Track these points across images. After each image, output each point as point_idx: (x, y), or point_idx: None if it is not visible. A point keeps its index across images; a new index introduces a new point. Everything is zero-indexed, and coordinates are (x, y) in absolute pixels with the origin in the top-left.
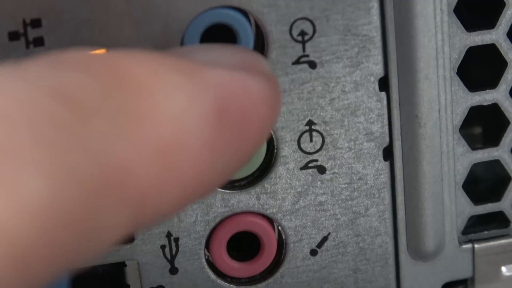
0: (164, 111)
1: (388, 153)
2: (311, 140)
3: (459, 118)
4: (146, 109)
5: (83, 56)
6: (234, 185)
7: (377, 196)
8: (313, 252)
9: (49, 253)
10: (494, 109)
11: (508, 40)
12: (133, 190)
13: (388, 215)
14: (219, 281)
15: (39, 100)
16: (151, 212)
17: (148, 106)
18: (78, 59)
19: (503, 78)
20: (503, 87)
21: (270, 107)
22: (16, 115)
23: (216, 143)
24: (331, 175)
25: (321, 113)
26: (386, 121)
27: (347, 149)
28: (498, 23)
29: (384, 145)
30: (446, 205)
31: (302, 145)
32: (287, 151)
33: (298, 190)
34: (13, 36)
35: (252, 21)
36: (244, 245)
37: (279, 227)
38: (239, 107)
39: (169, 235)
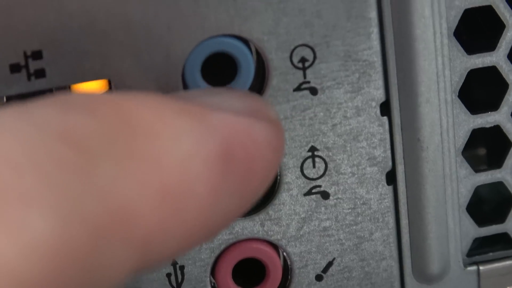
0: (170, 155)
1: (391, 178)
2: (314, 166)
3: (461, 141)
4: (152, 153)
5: (89, 98)
6: None
7: (381, 220)
8: (319, 278)
9: None
10: (497, 131)
11: (508, 62)
12: (138, 231)
13: (392, 239)
14: None
15: (46, 143)
16: (156, 253)
17: (154, 149)
18: (85, 102)
19: (504, 100)
20: (504, 109)
21: (275, 151)
22: (23, 158)
23: (221, 188)
24: (335, 200)
25: (324, 139)
26: (388, 146)
27: (350, 174)
28: (498, 45)
29: (387, 170)
30: (450, 228)
31: (305, 171)
32: (290, 177)
33: (302, 216)
34: (15, 68)
35: (253, 49)
36: (250, 272)
37: (284, 253)
38: (244, 151)
39: (174, 263)
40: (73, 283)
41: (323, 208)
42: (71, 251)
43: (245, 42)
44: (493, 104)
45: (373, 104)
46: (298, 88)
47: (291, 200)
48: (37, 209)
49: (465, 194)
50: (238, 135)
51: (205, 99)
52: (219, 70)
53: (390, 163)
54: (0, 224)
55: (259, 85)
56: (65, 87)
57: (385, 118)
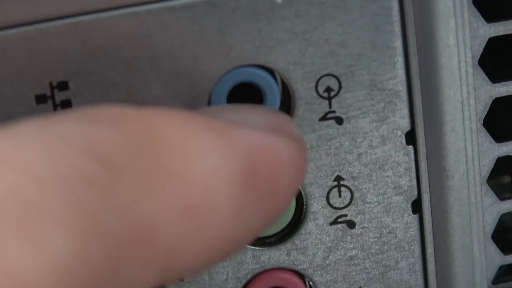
0: (194, 171)
1: (416, 206)
2: (340, 196)
3: (486, 169)
4: (177, 168)
5: (115, 112)
6: (264, 241)
7: (407, 249)
8: None
9: None
10: None
11: None
12: (159, 248)
13: (418, 267)
14: None
15: (70, 157)
16: (177, 269)
17: (179, 165)
18: (110, 116)
19: None
20: None
21: (297, 169)
22: (47, 172)
23: (243, 204)
24: (361, 229)
25: (349, 168)
26: (414, 175)
27: (376, 203)
28: None
29: (413, 198)
30: (476, 256)
31: (331, 201)
32: (316, 207)
33: (328, 245)
34: (41, 99)
35: (278, 79)
36: None
37: (310, 283)
38: (268, 169)
39: None
40: None
41: (349, 237)
42: (92, 269)
43: (271, 72)
44: None
45: (399, 133)
46: (323, 118)
47: (317, 230)
48: (59, 226)
49: (490, 222)
50: (262, 152)
51: (230, 115)
52: (244, 100)
53: (415, 192)
54: (22, 240)
55: None
56: None
57: (410, 147)
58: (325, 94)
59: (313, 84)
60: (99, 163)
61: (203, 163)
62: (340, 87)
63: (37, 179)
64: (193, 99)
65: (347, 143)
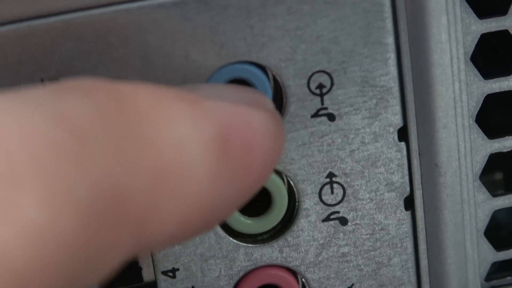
0: (164, 137)
1: (409, 203)
2: (332, 192)
3: (479, 166)
4: (146, 134)
5: (85, 84)
6: (257, 239)
7: (399, 245)
8: None
9: (50, 276)
10: None
11: None
12: (131, 211)
13: (411, 264)
14: None
15: (40, 125)
16: (152, 235)
17: (148, 131)
18: (80, 86)
19: None
20: None
21: (273, 140)
22: (16, 140)
23: (218, 172)
24: (353, 226)
25: (341, 165)
26: (406, 171)
27: (368, 200)
28: None
29: (405, 195)
30: (469, 253)
31: (323, 197)
32: (309, 203)
33: (320, 242)
34: None
35: (270, 76)
36: None
37: (303, 280)
38: (242, 137)
39: None
40: (69, 267)
41: (341, 234)
42: (65, 235)
43: (263, 68)
44: (510, 129)
45: (391, 129)
46: (315, 115)
47: (309, 226)
48: (29, 193)
49: (483, 219)
50: (234, 120)
51: (204, 90)
52: None
53: (408, 189)
54: None
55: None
56: None
57: (402, 144)
58: (317, 91)
59: (305, 81)
60: (68, 131)
61: (172, 130)
62: (332, 84)
63: (7, 147)
64: None
65: (339, 140)
